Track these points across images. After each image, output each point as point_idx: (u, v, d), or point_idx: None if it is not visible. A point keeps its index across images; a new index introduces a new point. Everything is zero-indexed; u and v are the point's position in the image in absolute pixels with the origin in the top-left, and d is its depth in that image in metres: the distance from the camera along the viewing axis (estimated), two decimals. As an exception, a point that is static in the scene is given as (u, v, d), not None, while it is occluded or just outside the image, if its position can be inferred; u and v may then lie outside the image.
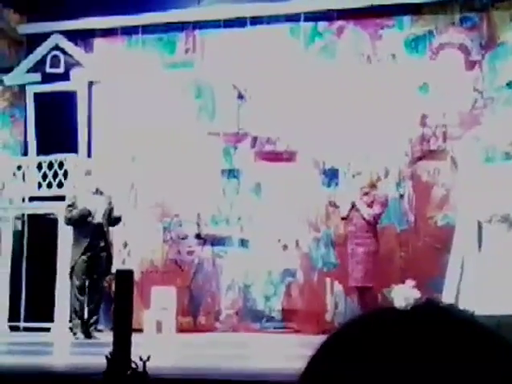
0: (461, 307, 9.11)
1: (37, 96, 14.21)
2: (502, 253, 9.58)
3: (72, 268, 11.20)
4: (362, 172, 11.65)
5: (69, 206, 11.44)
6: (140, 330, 11.07)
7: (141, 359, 5.19)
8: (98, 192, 11.50)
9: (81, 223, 11.23)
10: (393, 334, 0.75)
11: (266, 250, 12.91)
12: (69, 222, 11.42)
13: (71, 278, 11.29)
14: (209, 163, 13.30)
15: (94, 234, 11.24)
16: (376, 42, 13.03)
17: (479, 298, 9.26)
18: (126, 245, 13.49)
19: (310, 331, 11.73)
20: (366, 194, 10.96)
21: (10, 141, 14.67)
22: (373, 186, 11.10)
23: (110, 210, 11.48)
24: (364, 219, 10.77)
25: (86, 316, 11.34)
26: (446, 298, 9.82)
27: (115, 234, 12.96)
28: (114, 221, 11.56)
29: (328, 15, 13.21)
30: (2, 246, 13.40)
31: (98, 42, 14.39)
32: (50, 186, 13.28)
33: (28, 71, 14.30)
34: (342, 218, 11.29)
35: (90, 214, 11.23)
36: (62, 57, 14.18)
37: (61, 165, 13.28)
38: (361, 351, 0.74)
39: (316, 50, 13.31)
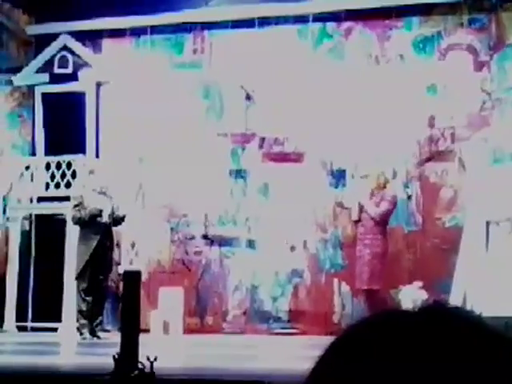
0: (468, 308, 9.09)
1: (45, 96, 14.24)
2: (509, 254, 9.56)
3: (81, 269, 11.17)
4: (369, 173, 11.62)
5: (76, 205, 11.42)
6: (147, 331, 11.07)
7: (148, 359, 5.19)
8: (102, 192, 11.49)
9: (90, 223, 11.22)
10: (400, 335, 0.74)
11: (273, 251, 12.90)
12: (78, 221, 11.37)
13: (78, 278, 11.28)
14: (216, 164, 13.30)
15: (103, 233, 11.25)
16: (384, 43, 13.02)
17: (487, 299, 9.24)
18: (133, 245, 13.50)
19: (317, 332, 11.72)
20: (374, 195, 10.92)
21: (19, 141, 14.70)
22: (381, 187, 11.05)
23: (113, 210, 11.47)
24: (373, 219, 10.72)
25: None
26: (454, 299, 9.81)
27: (123, 234, 12.99)
28: (117, 220, 11.53)
29: (336, 16, 13.20)
30: (10, 245, 13.42)
31: (106, 43, 14.41)
32: (57, 186, 13.30)
33: (36, 72, 14.32)
34: (355, 222, 11.21)
35: (100, 213, 11.23)
36: (70, 57, 14.21)
37: (69, 165, 13.30)
38: (368, 352, 0.74)
39: (324, 50, 13.30)
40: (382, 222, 10.82)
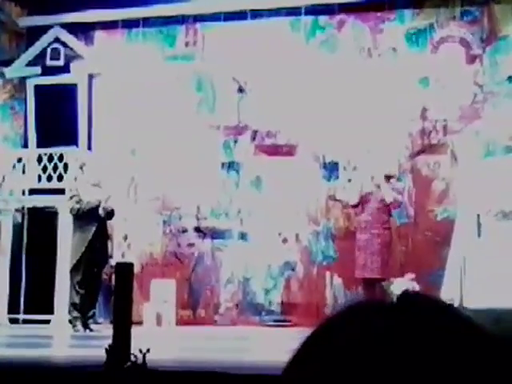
0: (461, 301, 9.13)
1: (37, 88, 14.21)
2: (501, 247, 9.58)
3: (76, 262, 11.14)
4: (361, 166, 11.63)
5: (74, 196, 11.39)
6: (140, 323, 11.08)
7: (140, 352, 5.20)
8: (95, 184, 11.48)
9: (86, 215, 11.19)
10: (374, 328, 0.74)
11: (265, 244, 12.92)
12: (77, 212, 11.30)
13: (72, 271, 11.25)
14: (209, 156, 13.31)
15: (98, 226, 11.23)
16: (377, 36, 13.02)
17: (478, 291, 9.26)
18: (125, 238, 13.50)
19: (309, 324, 11.61)
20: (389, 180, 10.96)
21: (11, 133, 14.67)
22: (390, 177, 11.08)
23: (106, 203, 11.44)
24: (384, 204, 10.73)
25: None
26: (446, 291, 9.83)
27: (115, 226, 12.98)
28: (108, 214, 11.50)
29: (329, 9, 13.20)
30: (1, 238, 13.40)
31: (98, 35, 14.39)
32: (49, 178, 13.27)
33: (28, 64, 14.29)
34: (353, 206, 11.24)
35: (99, 205, 11.22)
36: (62, 49, 14.17)
37: (61, 158, 13.28)
38: (343, 344, 0.74)
39: (317, 43, 13.30)
40: (389, 211, 10.87)
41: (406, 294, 0.79)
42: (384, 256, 10.67)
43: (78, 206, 11.26)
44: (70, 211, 11.44)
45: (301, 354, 0.78)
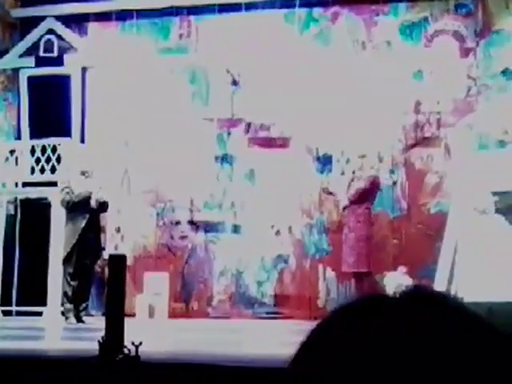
0: (452, 294, 9.14)
1: (30, 80, 14.17)
2: (494, 240, 9.60)
3: (68, 254, 11.14)
4: (354, 158, 11.62)
5: (65, 187, 11.38)
6: (132, 315, 11.08)
7: (133, 344, 5.19)
8: (87, 176, 11.46)
9: (78, 207, 11.18)
10: (382, 321, 0.74)
11: (258, 236, 12.92)
12: (67, 204, 11.29)
13: (64, 263, 11.25)
14: (202, 149, 13.29)
15: (90, 218, 11.21)
16: (371, 29, 13.02)
17: (471, 284, 9.29)
18: (118, 230, 13.48)
19: (302, 317, 11.76)
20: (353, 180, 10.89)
21: (4, 125, 14.63)
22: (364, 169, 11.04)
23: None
24: (350, 201, 10.72)
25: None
26: (438, 284, 9.85)
27: (108, 219, 12.97)
28: (101, 206, 11.47)
29: (323, 1, 13.18)
30: (-6, 229, 13.38)
31: (92, 27, 14.35)
32: (42, 170, 13.25)
33: (22, 55, 14.25)
34: (344, 208, 11.23)
35: (90, 197, 11.21)
36: (55, 41, 14.13)
37: (54, 149, 13.25)
38: (351, 338, 0.74)
39: (311, 35, 13.29)
40: (359, 202, 10.79)
41: (413, 289, 0.78)
42: (362, 250, 10.64)
43: (68, 197, 11.24)
44: (61, 203, 11.43)
45: (306, 351, 0.77)
